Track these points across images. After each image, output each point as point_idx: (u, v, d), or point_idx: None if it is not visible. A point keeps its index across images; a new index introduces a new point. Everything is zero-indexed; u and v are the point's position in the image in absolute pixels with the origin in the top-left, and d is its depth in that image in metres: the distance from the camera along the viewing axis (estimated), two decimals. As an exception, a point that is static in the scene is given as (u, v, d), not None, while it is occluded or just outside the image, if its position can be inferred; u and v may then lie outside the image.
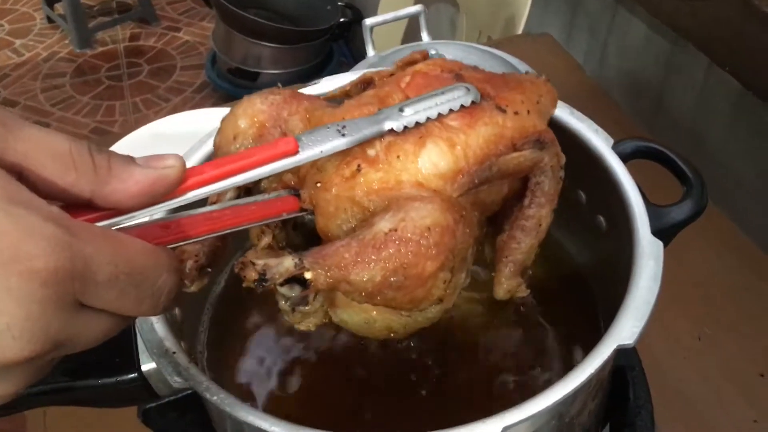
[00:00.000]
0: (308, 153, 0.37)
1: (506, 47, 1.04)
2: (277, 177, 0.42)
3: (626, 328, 0.40)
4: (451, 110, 0.40)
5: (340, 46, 2.44)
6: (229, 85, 2.30)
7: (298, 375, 0.54)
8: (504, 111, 0.41)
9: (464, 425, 0.37)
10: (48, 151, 0.29)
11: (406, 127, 0.39)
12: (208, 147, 0.52)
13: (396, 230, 0.36)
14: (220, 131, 0.44)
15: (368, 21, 0.83)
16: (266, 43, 2.17)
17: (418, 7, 0.84)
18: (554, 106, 0.46)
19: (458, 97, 0.40)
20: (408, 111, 0.39)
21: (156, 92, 2.45)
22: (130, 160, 0.31)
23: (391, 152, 0.39)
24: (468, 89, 0.41)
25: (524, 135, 0.41)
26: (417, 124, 0.39)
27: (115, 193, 0.31)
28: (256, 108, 0.43)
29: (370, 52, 0.85)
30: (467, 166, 0.40)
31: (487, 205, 0.43)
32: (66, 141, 0.30)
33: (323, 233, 0.40)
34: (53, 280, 0.26)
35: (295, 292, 0.35)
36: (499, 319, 0.54)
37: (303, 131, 0.41)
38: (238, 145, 0.43)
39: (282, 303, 0.37)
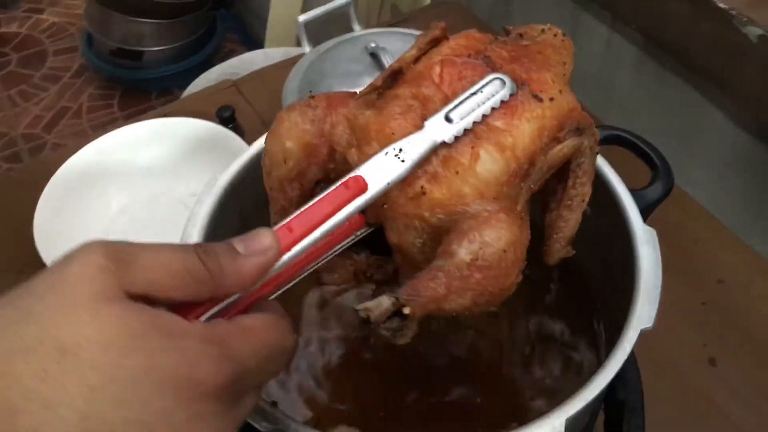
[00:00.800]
0: (377, 187, 0.39)
1: (420, 22, 1.08)
2: None
3: (644, 313, 0.44)
4: (492, 108, 0.41)
5: (222, 14, 2.39)
6: (112, 66, 2.19)
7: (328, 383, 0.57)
8: (541, 100, 0.42)
9: (530, 423, 0.40)
10: (167, 274, 0.31)
11: (456, 137, 0.40)
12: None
13: (477, 259, 0.38)
14: (267, 153, 0.44)
15: (301, 18, 0.84)
16: (146, 20, 2.09)
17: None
18: (572, 59, 0.48)
19: (496, 92, 0.41)
20: (454, 117, 0.41)
21: (31, 82, 2.29)
22: (233, 252, 0.34)
23: (448, 167, 0.40)
24: (503, 81, 0.42)
25: (562, 122, 0.43)
26: (465, 130, 0.40)
27: (230, 288, 0.33)
28: (300, 128, 0.44)
29: (306, 48, 0.86)
30: (519, 168, 0.41)
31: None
32: (179, 259, 0.32)
33: (396, 247, 0.42)
34: (224, 392, 0.30)
35: (395, 323, 0.38)
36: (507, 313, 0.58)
37: (350, 142, 0.43)
38: (291, 165, 0.44)
39: (383, 332, 0.38)
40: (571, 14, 1.08)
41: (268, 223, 0.38)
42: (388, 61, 0.75)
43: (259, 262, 0.34)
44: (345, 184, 0.38)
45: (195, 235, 0.49)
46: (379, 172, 0.39)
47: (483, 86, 0.42)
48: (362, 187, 0.38)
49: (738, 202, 0.92)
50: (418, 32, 0.84)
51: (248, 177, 0.53)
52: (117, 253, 0.30)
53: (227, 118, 0.90)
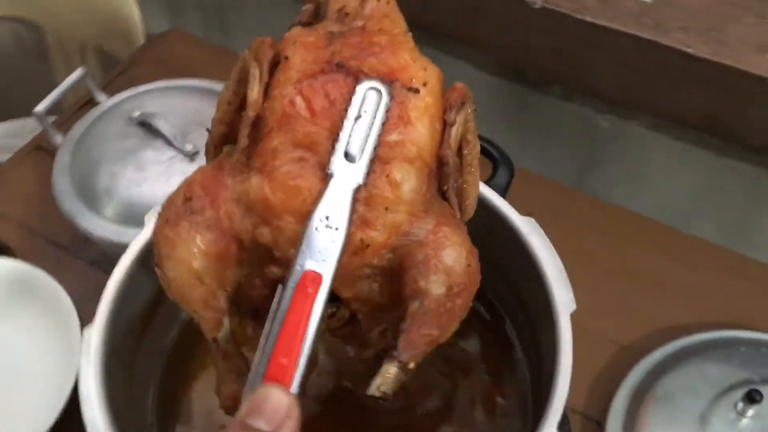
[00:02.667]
0: (330, 270, 0.36)
1: (148, 65, 1.00)
2: (263, 281, 0.40)
3: (564, 297, 0.46)
4: (382, 124, 0.38)
5: None
6: None
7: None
8: (418, 91, 0.40)
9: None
10: None
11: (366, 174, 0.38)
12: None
13: (451, 287, 0.37)
14: (174, 282, 0.39)
15: (39, 108, 0.74)
16: None
17: (80, 71, 0.77)
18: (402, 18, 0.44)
19: (377, 105, 0.38)
20: (354, 152, 0.38)
21: None
22: None
23: (376, 207, 0.38)
24: (377, 90, 0.39)
25: (444, 102, 0.40)
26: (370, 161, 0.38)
27: None
28: (199, 241, 0.39)
29: (57, 139, 0.76)
30: (430, 170, 0.40)
31: None
32: None
33: (352, 299, 0.40)
34: None
35: (401, 377, 0.37)
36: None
37: (254, 223, 0.38)
38: (208, 281, 0.39)
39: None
40: None
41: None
42: (164, 126, 0.69)
43: (292, 429, 0.31)
44: (301, 286, 0.36)
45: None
46: (322, 252, 0.36)
47: (362, 105, 0.38)
48: (316, 279, 0.36)
49: (500, 129, 1.00)
50: (178, 83, 0.78)
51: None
52: None
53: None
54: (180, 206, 0.39)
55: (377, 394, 0.36)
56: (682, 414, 0.68)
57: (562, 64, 0.84)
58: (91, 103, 0.78)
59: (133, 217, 0.68)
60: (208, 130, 0.44)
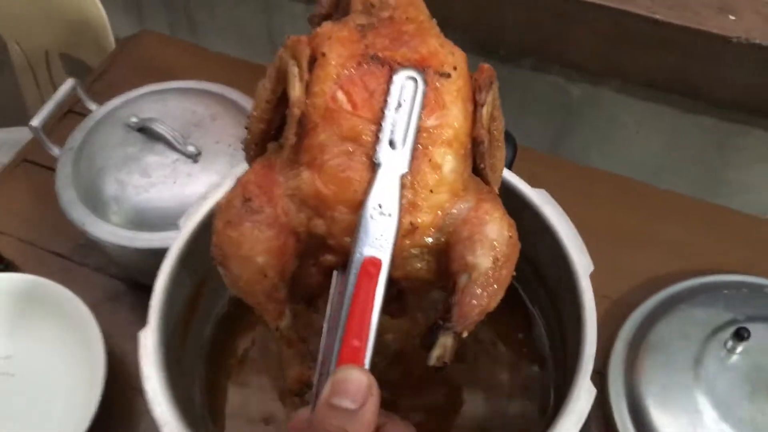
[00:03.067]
0: (387, 255, 0.38)
1: (121, 70, 1.01)
2: (318, 269, 0.42)
3: (582, 260, 0.51)
4: (420, 111, 0.40)
5: None
6: None
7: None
8: (449, 75, 0.41)
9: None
10: None
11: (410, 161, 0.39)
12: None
13: (497, 259, 0.40)
14: (240, 280, 0.41)
15: (35, 122, 0.74)
16: None
17: (70, 83, 0.77)
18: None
19: (414, 93, 0.40)
20: (397, 140, 0.39)
21: None
22: (350, 414, 0.33)
23: (421, 191, 0.40)
24: (413, 78, 0.40)
25: (473, 84, 0.42)
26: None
27: None
28: (263, 239, 0.40)
29: (54, 150, 0.77)
30: (466, 150, 0.41)
31: None
32: None
33: (402, 278, 0.42)
34: None
35: (456, 346, 0.39)
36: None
37: (309, 216, 0.40)
38: (272, 275, 0.41)
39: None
40: None
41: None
42: (163, 129, 0.71)
43: (375, 405, 0.33)
44: (363, 272, 0.38)
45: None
46: (378, 239, 0.39)
47: (401, 95, 0.40)
48: (376, 263, 0.38)
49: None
50: (167, 85, 0.79)
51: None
52: None
53: (-9, 262, 0.78)
54: (240, 207, 0.41)
55: (438, 363, 0.39)
56: (676, 358, 0.73)
57: (534, 37, 0.87)
58: (74, 111, 0.78)
59: (144, 222, 0.69)
60: (246, 128, 0.45)
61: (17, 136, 1.21)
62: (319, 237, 0.41)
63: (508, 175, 0.54)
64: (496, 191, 0.44)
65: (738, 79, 0.80)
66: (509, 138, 0.62)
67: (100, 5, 1.06)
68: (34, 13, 1.14)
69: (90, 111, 0.80)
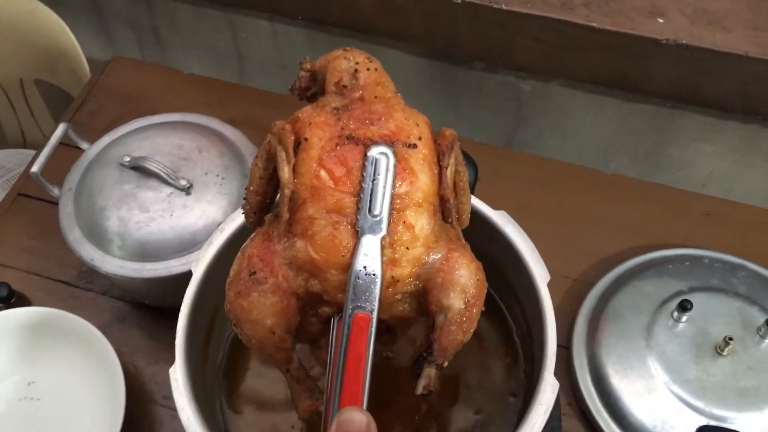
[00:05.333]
0: (375, 308, 0.45)
1: (100, 99, 1.06)
2: (317, 318, 0.49)
3: (540, 271, 0.59)
4: (393, 180, 0.46)
5: None
6: None
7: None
8: (415, 146, 0.47)
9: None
10: None
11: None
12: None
13: (468, 299, 0.47)
14: (254, 338, 0.48)
15: (34, 169, 0.80)
16: None
17: (63, 127, 0.83)
18: (387, 76, 0.52)
19: (387, 166, 0.46)
20: (376, 209, 0.45)
21: None
22: None
23: (399, 248, 0.46)
24: (385, 154, 0.46)
25: (437, 149, 0.49)
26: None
27: None
28: (269, 305, 0.47)
29: (55, 191, 0.83)
30: (435, 207, 0.48)
31: None
32: None
33: (389, 319, 0.49)
34: None
35: (438, 374, 0.48)
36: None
37: (305, 278, 0.47)
38: (279, 332, 0.48)
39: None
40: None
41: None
42: (156, 166, 0.77)
43: None
44: (355, 326, 0.46)
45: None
46: (366, 295, 0.46)
47: (375, 169, 0.46)
48: (365, 317, 0.46)
49: (433, 102, 1.10)
50: (151, 120, 0.86)
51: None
52: None
53: (6, 296, 0.85)
54: (247, 280, 0.48)
55: (425, 392, 0.48)
56: (630, 328, 0.82)
57: (483, 45, 0.95)
58: (63, 143, 0.83)
59: (147, 253, 0.76)
60: (244, 198, 0.53)
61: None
62: (316, 294, 0.48)
63: (474, 200, 0.62)
64: (462, 239, 0.51)
65: (669, 73, 0.89)
66: (470, 161, 0.70)
67: (69, 33, 1.10)
68: (5, 45, 1.18)
69: (80, 149, 0.86)
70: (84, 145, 0.85)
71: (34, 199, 0.97)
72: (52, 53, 1.15)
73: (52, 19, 1.11)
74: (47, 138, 0.82)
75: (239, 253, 0.50)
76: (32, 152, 1.26)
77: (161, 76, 1.09)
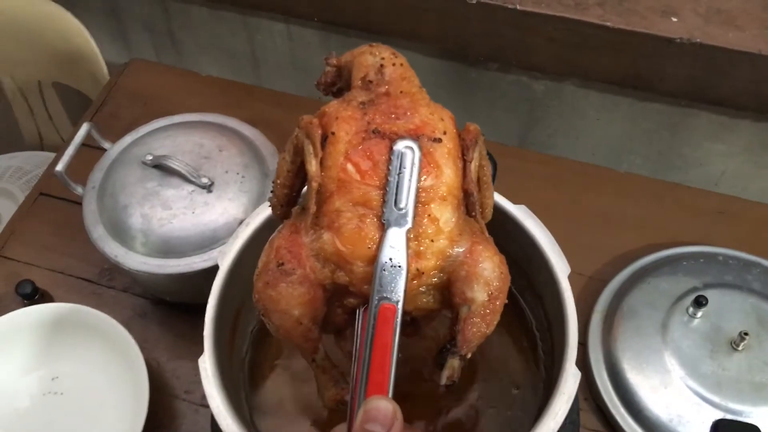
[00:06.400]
0: (400, 299, 0.46)
1: (119, 99, 1.08)
2: (343, 309, 0.50)
3: (560, 264, 0.60)
4: (418, 173, 0.47)
5: None
6: None
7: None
8: (440, 140, 0.48)
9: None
10: None
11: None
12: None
13: (492, 292, 0.48)
14: (281, 328, 0.49)
15: (59, 167, 0.82)
16: None
17: (86, 126, 0.85)
18: (413, 71, 0.52)
19: (413, 160, 0.46)
20: (402, 202, 0.46)
21: None
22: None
23: (424, 241, 0.47)
24: (410, 148, 0.47)
25: (461, 144, 0.49)
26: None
27: None
28: (296, 295, 0.48)
29: (78, 189, 0.85)
30: (459, 201, 0.49)
31: None
32: None
33: (413, 311, 0.50)
34: None
35: (462, 365, 0.48)
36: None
37: (332, 270, 0.48)
38: (306, 322, 0.48)
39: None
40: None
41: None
42: (178, 165, 0.79)
43: (400, 426, 0.42)
44: (381, 316, 0.46)
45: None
46: (392, 286, 0.47)
47: (401, 163, 0.47)
48: (391, 308, 0.46)
49: (448, 102, 1.11)
50: (171, 120, 0.87)
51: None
52: None
53: (30, 293, 0.86)
54: (275, 271, 0.49)
55: (448, 382, 0.48)
56: (645, 325, 0.83)
57: (497, 45, 0.96)
58: (84, 144, 0.84)
59: (170, 250, 0.78)
60: (272, 191, 0.54)
61: (17, 163, 1.28)
62: (342, 286, 0.49)
63: (494, 195, 0.63)
64: (486, 232, 0.52)
65: (683, 72, 0.90)
66: (489, 157, 0.71)
67: (88, 35, 1.12)
68: (24, 48, 1.20)
69: (103, 149, 0.87)
70: (106, 145, 0.87)
71: (56, 199, 0.98)
72: (70, 56, 1.16)
73: (70, 22, 1.13)
74: (66, 140, 0.84)
75: (267, 245, 0.51)
76: (50, 154, 1.27)
77: (178, 77, 1.11)
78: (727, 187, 1.06)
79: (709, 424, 0.74)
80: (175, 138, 0.84)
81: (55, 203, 0.98)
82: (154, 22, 1.21)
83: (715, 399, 0.76)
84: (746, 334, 0.78)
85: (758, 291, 0.83)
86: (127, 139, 0.87)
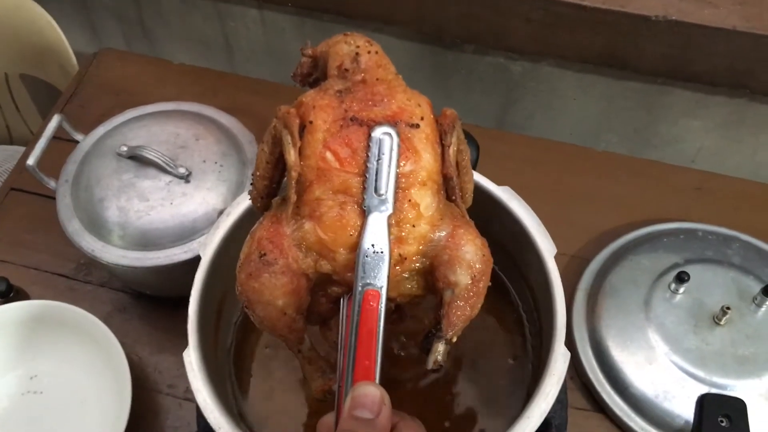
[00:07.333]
0: (384, 285, 0.46)
1: (90, 92, 1.06)
2: (327, 298, 0.50)
3: (547, 244, 0.60)
4: (397, 159, 0.47)
5: None
6: None
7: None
8: (418, 126, 0.48)
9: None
10: None
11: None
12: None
13: (474, 275, 0.48)
14: (266, 319, 0.48)
15: (30, 161, 0.80)
16: None
17: (57, 118, 0.83)
18: (388, 59, 0.53)
19: (391, 145, 0.47)
20: (381, 188, 0.46)
21: None
22: (370, 425, 0.42)
23: (405, 227, 0.47)
24: (389, 134, 0.47)
25: (439, 129, 0.49)
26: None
27: None
28: (279, 285, 0.47)
29: (51, 183, 0.83)
30: (439, 185, 0.49)
31: None
32: None
33: (397, 297, 0.50)
34: None
35: (448, 349, 0.48)
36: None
37: (315, 259, 0.47)
38: (290, 312, 0.48)
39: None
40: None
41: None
42: (154, 155, 0.77)
43: (388, 411, 0.42)
44: (366, 302, 0.46)
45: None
46: (375, 273, 0.47)
47: (380, 149, 0.47)
48: (375, 294, 0.46)
49: (425, 85, 1.11)
50: (144, 110, 0.85)
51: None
52: None
53: (5, 291, 0.84)
54: (258, 262, 0.48)
55: (435, 366, 0.48)
56: (628, 302, 0.83)
57: (473, 27, 0.95)
58: (56, 137, 0.82)
59: (148, 242, 0.76)
60: (251, 184, 0.54)
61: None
62: (325, 274, 0.49)
63: (478, 177, 0.63)
64: (467, 216, 0.52)
65: (659, 50, 0.90)
66: (471, 140, 0.71)
67: (56, 26, 1.09)
68: (-9, 38, 1.17)
69: (75, 141, 0.85)
70: (78, 137, 0.85)
71: (28, 194, 0.96)
72: (38, 47, 1.14)
73: (38, 13, 1.10)
74: (36, 133, 0.82)
75: (248, 237, 0.50)
76: (19, 148, 1.25)
77: (150, 66, 1.09)
78: (703, 163, 1.06)
79: (695, 398, 0.75)
80: (149, 128, 0.82)
81: (27, 198, 0.96)
82: (124, 11, 1.18)
83: (700, 374, 0.76)
84: (728, 308, 0.78)
85: (738, 265, 0.84)
86: (100, 131, 0.85)
